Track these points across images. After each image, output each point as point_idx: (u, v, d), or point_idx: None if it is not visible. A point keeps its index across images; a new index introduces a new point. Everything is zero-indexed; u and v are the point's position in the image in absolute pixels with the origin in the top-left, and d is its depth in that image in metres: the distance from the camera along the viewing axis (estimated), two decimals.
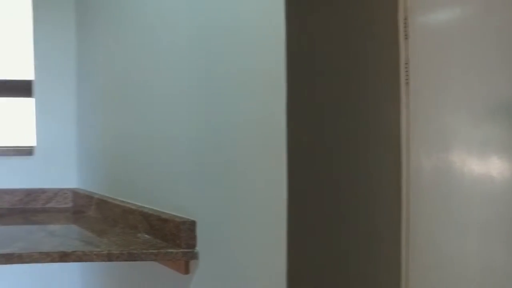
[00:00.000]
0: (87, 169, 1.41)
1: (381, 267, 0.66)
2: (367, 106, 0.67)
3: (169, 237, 0.91)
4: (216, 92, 0.79)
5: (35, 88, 1.49)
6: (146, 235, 0.98)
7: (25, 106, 1.59)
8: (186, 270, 0.89)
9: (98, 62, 1.29)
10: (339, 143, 0.66)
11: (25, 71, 1.59)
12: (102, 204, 1.23)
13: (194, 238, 0.87)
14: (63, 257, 0.85)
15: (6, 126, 1.62)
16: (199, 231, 0.86)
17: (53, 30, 1.49)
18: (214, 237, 0.81)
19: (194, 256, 0.86)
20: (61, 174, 1.49)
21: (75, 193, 1.45)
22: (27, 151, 1.49)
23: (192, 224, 0.86)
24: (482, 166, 0.52)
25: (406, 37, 0.64)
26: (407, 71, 0.64)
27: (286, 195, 0.61)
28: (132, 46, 1.08)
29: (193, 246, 0.87)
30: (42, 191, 1.47)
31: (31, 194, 1.47)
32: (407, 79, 0.65)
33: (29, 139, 1.59)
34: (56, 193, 1.47)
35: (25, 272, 1.46)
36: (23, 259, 0.87)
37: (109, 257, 0.85)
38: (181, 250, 0.86)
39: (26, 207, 1.46)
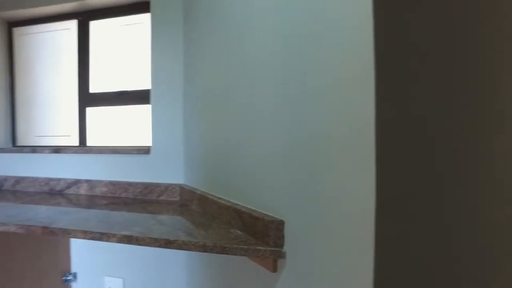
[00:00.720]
0: (191, 167, 1.55)
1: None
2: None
3: (259, 235, 0.94)
4: (307, 94, 0.79)
5: (152, 96, 1.72)
6: (239, 231, 1.04)
7: (145, 112, 1.86)
8: (274, 268, 0.91)
9: (200, 72, 1.41)
10: (440, 141, 0.60)
11: (145, 82, 1.86)
12: (202, 199, 1.34)
13: (282, 237, 0.88)
14: (167, 244, 0.97)
15: (131, 129, 1.90)
16: (287, 231, 0.87)
17: (166, 47, 1.68)
18: (301, 238, 0.81)
19: (282, 255, 0.87)
20: (171, 171, 1.67)
21: (182, 188, 1.61)
22: (145, 151, 1.72)
23: (281, 223, 0.88)
24: None
25: None
26: None
27: (375, 196, 0.59)
28: (229, 53, 1.15)
29: (281, 245, 0.88)
30: (157, 185, 1.68)
31: (148, 187, 1.70)
32: None
33: (147, 140, 1.85)
34: (167, 187, 1.66)
35: (145, 249, 1.72)
36: (139, 242, 1.01)
37: (204, 248, 0.93)
38: (269, 248, 0.88)
39: (144, 198, 1.69)
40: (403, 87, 0.60)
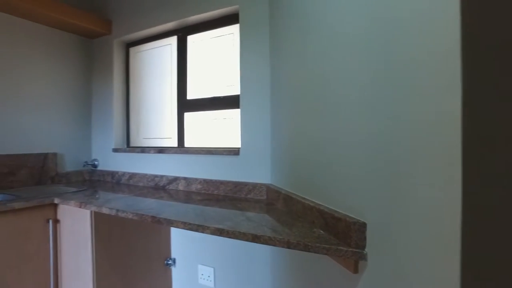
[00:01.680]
0: (277, 168, 1.63)
1: None
2: None
3: (341, 235, 0.96)
4: (390, 96, 0.79)
5: (241, 101, 1.85)
6: (321, 231, 1.08)
7: (235, 115, 2.01)
8: (355, 270, 0.92)
9: (286, 75, 1.48)
10: None
11: (235, 88, 2.01)
12: (287, 199, 1.41)
13: (363, 239, 0.89)
14: (254, 238, 1.06)
15: (223, 132, 2.08)
16: (369, 233, 0.88)
17: (253, 54, 1.79)
18: (384, 241, 0.81)
19: (363, 257, 0.89)
20: (259, 172, 1.77)
21: (268, 188, 1.70)
22: (235, 152, 1.85)
23: (363, 225, 0.89)
24: None
25: None
26: None
27: (461, 198, 0.58)
28: (315, 55, 1.19)
29: (363, 247, 0.89)
30: (245, 184, 1.81)
31: (237, 186, 1.83)
32: None
33: (237, 142, 2.00)
34: (255, 186, 1.77)
35: (234, 243, 1.86)
36: (229, 234, 1.12)
37: (287, 245, 0.99)
38: (351, 249, 0.90)
39: (234, 195, 1.84)
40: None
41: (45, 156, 2.33)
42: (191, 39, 2.22)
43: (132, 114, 2.58)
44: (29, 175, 2.25)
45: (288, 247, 1.00)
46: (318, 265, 1.18)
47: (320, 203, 1.14)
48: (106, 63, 2.56)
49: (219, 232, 1.15)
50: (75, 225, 1.74)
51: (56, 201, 1.79)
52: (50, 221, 1.79)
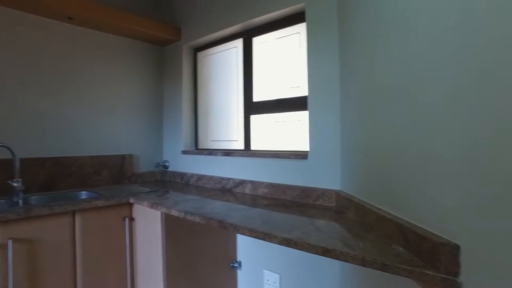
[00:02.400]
0: (348, 174, 1.52)
1: None
2: None
3: (425, 256, 0.84)
4: (497, 99, 0.65)
5: (308, 102, 1.77)
6: (401, 248, 0.96)
7: (302, 118, 1.94)
8: None
9: (359, 74, 1.36)
10: None
11: (302, 90, 1.94)
12: (359, 208, 1.29)
13: (457, 265, 0.76)
14: (325, 252, 0.98)
15: (290, 135, 2.02)
16: (465, 258, 0.74)
17: (321, 53, 1.69)
18: (487, 270, 0.68)
19: (457, 286, 0.75)
20: (328, 177, 1.67)
21: (338, 194, 1.60)
22: (303, 156, 1.78)
23: (455, 248, 0.76)
24: None
25: None
26: None
27: None
28: (395, 51, 1.07)
29: (455, 274, 0.76)
30: (313, 190, 1.72)
31: (305, 191, 1.76)
32: None
33: (305, 145, 1.92)
34: (323, 192, 1.68)
35: (299, 253, 1.79)
36: (297, 246, 1.06)
37: (362, 262, 0.90)
38: (440, 275, 0.78)
39: (301, 201, 1.76)
40: None
41: (123, 157, 2.52)
42: (257, 41, 2.20)
43: (200, 117, 2.65)
44: (110, 175, 2.44)
45: (363, 265, 0.90)
46: (397, 287, 1.05)
47: (399, 215, 1.02)
48: (175, 68, 2.68)
49: (287, 243, 1.09)
50: (148, 224, 1.83)
51: (131, 200, 1.90)
52: (127, 219, 1.91)
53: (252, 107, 2.23)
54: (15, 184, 1.86)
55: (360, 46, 1.33)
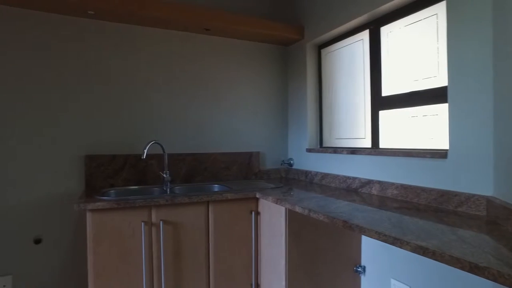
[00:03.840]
0: (506, 178, 1.24)
1: None
2: None
3: None
4: None
5: (449, 94, 1.52)
6: None
7: (440, 112, 1.69)
8: None
9: None
10: None
11: (436, 80, 1.69)
12: None
13: None
14: (474, 269, 0.81)
15: (424, 131, 1.79)
16: None
17: (467, 34, 1.43)
18: None
19: None
20: (474, 180, 1.40)
21: (489, 201, 1.33)
22: (441, 155, 1.54)
23: None
24: None
25: None
26: None
27: None
28: None
29: None
30: (454, 194, 1.47)
31: (443, 195, 1.52)
32: None
33: (443, 143, 1.67)
34: (468, 198, 1.42)
35: (438, 263, 1.56)
36: (436, 256, 0.92)
37: None
38: None
39: (439, 206, 1.54)
40: None
41: (250, 154, 2.69)
42: (385, 30, 2.02)
43: (325, 114, 2.61)
44: (239, 170, 2.65)
45: None
46: None
47: None
48: (299, 67, 2.71)
49: (422, 251, 0.96)
50: (272, 219, 1.89)
51: (257, 195, 2.01)
52: (253, 213, 2.03)
53: (380, 102, 2.07)
54: (164, 175, 2.20)
55: None
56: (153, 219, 1.80)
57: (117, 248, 1.72)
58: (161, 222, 1.81)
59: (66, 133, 2.14)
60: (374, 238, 1.13)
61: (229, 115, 2.65)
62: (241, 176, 2.66)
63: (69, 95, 2.15)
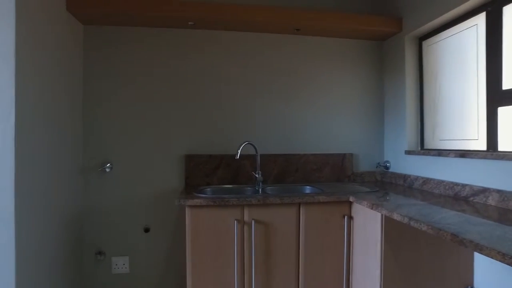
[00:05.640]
0: None
1: None
2: None
3: None
4: None
5: None
6: None
7: None
8: None
9: None
10: None
11: None
12: None
13: None
14: None
15: None
16: None
17: None
18: None
19: None
20: None
21: None
22: None
23: None
24: None
25: None
26: None
27: None
28: None
29: None
30: None
31: None
32: None
33: None
34: None
35: None
36: None
37: None
38: None
39: None
40: None
41: (343, 156, 2.58)
42: (508, 10, 1.71)
43: (427, 113, 2.35)
44: (331, 173, 2.56)
45: None
46: None
47: None
48: (397, 62, 2.49)
49: None
50: (366, 224, 1.77)
51: (351, 199, 1.90)
52: (346, 217, 1.93)
53: (499, 97, 1.76)
54: (256, 175, 2.25)
55: None
56: (246, 217, 1.85)
57: (212, 243, 1.83)
58: (253, 221, 1.85)
59: (172, 136, 2.38)
60: (497, 260, 0.95)
61: (321, 115, 2.58)
62: (333, 179, 2.57)
63: (175, 105, 2.40)
